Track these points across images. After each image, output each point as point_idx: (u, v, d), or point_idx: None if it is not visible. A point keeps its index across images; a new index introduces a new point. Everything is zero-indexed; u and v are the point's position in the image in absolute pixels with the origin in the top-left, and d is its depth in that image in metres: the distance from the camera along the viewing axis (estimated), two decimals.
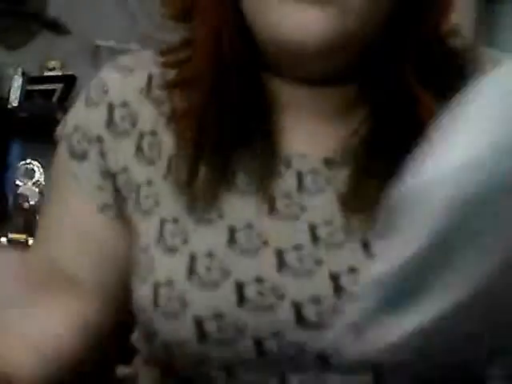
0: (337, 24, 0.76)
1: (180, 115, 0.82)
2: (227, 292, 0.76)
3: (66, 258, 0.83)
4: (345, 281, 0.76)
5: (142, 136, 0.83)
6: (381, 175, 0.79)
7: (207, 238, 0.78)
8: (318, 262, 0.77)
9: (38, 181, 3.39)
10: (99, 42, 3.61)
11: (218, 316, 0.76)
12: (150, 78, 0.84)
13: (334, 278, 0.77)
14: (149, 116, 0.83)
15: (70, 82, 3.48)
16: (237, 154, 0.81)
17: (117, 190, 0.83)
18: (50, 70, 3.54)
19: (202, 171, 0.80)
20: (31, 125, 3.36)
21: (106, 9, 3.63)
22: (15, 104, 3.37)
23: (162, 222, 0.80)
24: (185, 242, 0.78)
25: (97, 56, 3.63)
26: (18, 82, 3.38)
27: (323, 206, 0.80)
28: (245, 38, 0.81)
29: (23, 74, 3.40)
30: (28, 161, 3.39)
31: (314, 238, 0.79)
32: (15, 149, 3.40)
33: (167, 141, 0.82)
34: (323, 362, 0.76)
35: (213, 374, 0.77)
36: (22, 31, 3.56)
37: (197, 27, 0.83)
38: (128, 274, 0.82)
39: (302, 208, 0.80)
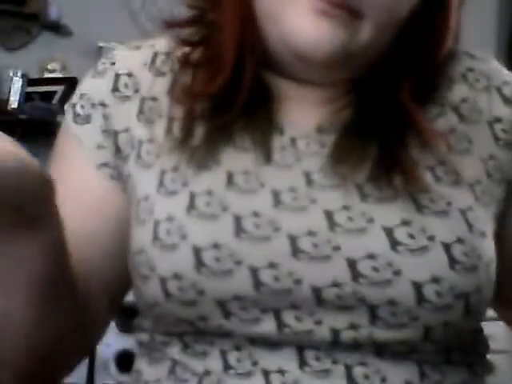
0: (346, 40, 0.80)
1: (187, 89, 0.86)
2: (226, 224, 0.79)
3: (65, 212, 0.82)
4: (339, 218, 0.80)
5: (143, 100, 0.88)
6: (365, 136, 0.84)
7: (206, 180, 0.82)
8: (313, 201, 0.81)
9: None
10: (101, 44, 3.63)
11: (216, 246, 0.78)
12: (155, 55, 0.90)
13: (329, 214, 0.80)
14: (150, 85, 0.89)
15: (70, 84, 3.47)
16: (237, 121, 0.84)
17: (117, 149, 0.87)
18: (51, 71, 3.58)
19: (202, 129, 0.84)
20: (31, 127, 3.38)
21: (108, 10, 3.67)
22: (15, 106, 3.40)
23: (163, 172, 0.83)
24: (185, 185, 0.82)
25: (99, 58, 3.64)
26: (17, 84, 3.41)
27: (316, 159, 0.84)
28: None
29: (23, 75, 3.43)
30: None
31: (309, 181, 0.83)
32: None
33: (166, 106, 0.87)
34: (318, 296, 0.77)
35: (207, 312, 0.79)
36: (22, 32, 3.59)
37: (222, 13, 0.86)
38: (124, 231, 0.86)
39: (297, 159, 0.84)
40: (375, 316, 0.77)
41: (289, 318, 0.78)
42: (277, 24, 0.81)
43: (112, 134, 0.87)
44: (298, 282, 0.77)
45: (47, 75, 3.57)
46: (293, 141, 0.85)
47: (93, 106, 0.88)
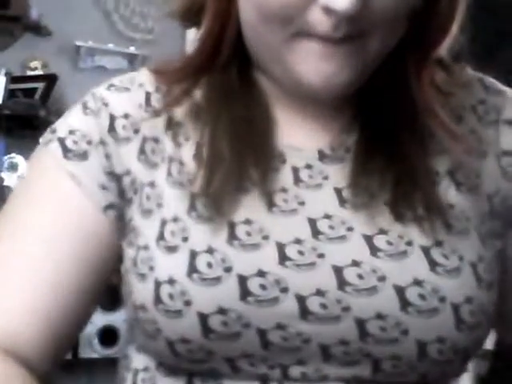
0: (357, 72, 0.76)
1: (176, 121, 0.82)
2: (230, 287, 0.74)
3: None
4: (349, 276, 0.75)
5: (144, 140, 0.82)
6: (378, 169, 0.79)
7: (207, 234, 0.76)
8: (321, 256, 0.76)
9: (22, 174, 3.36)
10: (78, 43, 3.72)
11: (222, 311, 0.73)
12: (147, 95, 0.85)
13: (338, 270, 0.75)
14: (149, 125, 0.83)
15: (51, 80, 3.59)
16: (233, 151, 0.80)
17: (121, 191, 0.81)
18: (32, 69, 3.63)
19: (203, 173, 0.79)
20: (15, 121, 3.44)
21: (83, 11, 3.74)
22: None
23: (163, 222, 0.78)
24: (185, 240, 0.76)
25: (76, 56, 3.75)
26: (1, 82, 3.43)
27: (321, 200, 0.79)
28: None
29: (6, 73, 3.46)
30: (12, 155, 3.47)
31: (315, 232, 0.77)
32: (0, 144, 3.47)
33: (167, 146, 0.82)
34: (325, 353, 0.75)
35: (216, 367, 0.76)
36: (5, 34, 3.61)
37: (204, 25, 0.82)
38: (105, 272, 0.82)
39: (300, 203, 0.79)
40: (378, 368, 0.75)
41: (295, 372, 0.76)
42: (281, 65, 0.77)
43: (115, 177, 0.81)
44: (306, 341, 0.74)
45: (29, 73, 3.61)
46: (295, 171, 0.80)
47: (89, 143, 0.82)
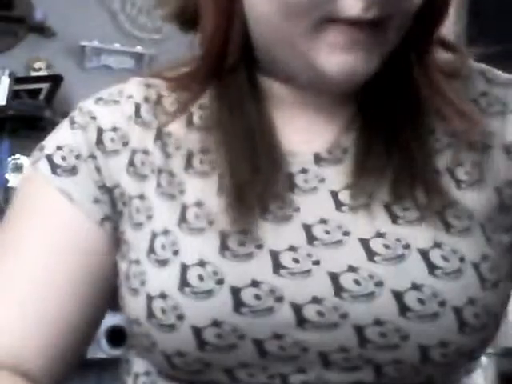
0: (377, 62, 0.75)
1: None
2: (223, 300, 0.73)
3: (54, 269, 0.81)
4: (344, 280, 0.73)
5: (134, 153, 0.81)
6: (378, 168, 0.78)
7: (198, 246, 0.75)
8: (316, 263, 0.74)
9: None
10: (84, 43, 3.72)
11: (216, 324, 0.72)
12: (137, 106, 0.84)
13: (334, 277, 0.74)
14: (139, 137, 0.82)
15: (56, 81, 3.59)
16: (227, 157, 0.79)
17: (114, 204, 0.81)
18: (37, 70, 3.64)
19: (194, 181, 0.79)
20: (19, 122, 3.44)
21: (89, 11, 3.74)
22: (3, 103, 3.43)
23: (153, 235, 0.77)
24: (175, 253, 0.75)
25: (82, 55, 3.75)
26: (6, 83, 3.45)
27: (317, 204, 0.78)
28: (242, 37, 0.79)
29: (11, 74, 3.48)
30: (17, 156, 3.45)
31: (310, 238, 0.76)
32: (4, 145, 3.47)
33: (157, 157, 0.81)
34: (324, 360, 0.74)
35: (215, 378, 0.76)
36: (9, 34, 3.65)
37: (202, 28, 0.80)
38: (109, 285, 0.81)
39: (295, 209, 0.78)
40: (381, 373, 0.74)
41: (296, 380, 0.75)
42: (301, 59, 0.75)
43: (107, 190, 0.81)
44: (304, 349, 0.73)
45: (33, 74, 3.62)
46: (290, 178, 0.79)
47: (78, 157, 0.81)
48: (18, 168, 3.44)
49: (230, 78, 0.80)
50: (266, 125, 0.80)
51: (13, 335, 0.78)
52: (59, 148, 0.82)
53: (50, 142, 0.83)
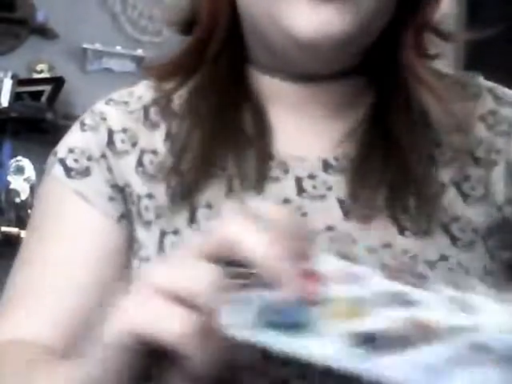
0: (350, 23, 0.73)
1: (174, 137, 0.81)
2: None
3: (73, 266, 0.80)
4: None
5: (142, 153, 0.81)
6: (380, 180, 0.77)
7: None
8: None
9: (29, 177, 3.48)
10: (85, 45, 3.73)
11: None
12: (146, 108, 0.84)
13: None
14: (148, 138, 0.82)
15: (58, 83, 3.60)
16: (232, 158, 0.78)
17: (126, 202, 0.80)
18: (39, 72, 3.65)
19: (200, 182, 0.77)
20: (21, 124, 3.46)
21: (90, 13, 3.75)
22: (5, 105, 3.45)
23: (163, 234, 0.77)
24: None
25: (83, 58, 3.76)
26: (8, 85, 3.46)
27: (324, 212, 0.76)
28: (234, 32, 0.79)
29: (13, 76, 3.49)
30: (19, 158, 3.48)
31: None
32: (6, 147, 3.48)
33: (166, 158, 0.80)
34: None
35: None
36: (11, 36, 3.66)
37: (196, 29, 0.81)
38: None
39: (303, 214, 0.76)
40: None
41: None
42: (276, 21, 0.74)
43: (119, 189, 0.80)
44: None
45: (35, 76, 3.63)
46: (298, 182, 0.77)
47: (90, 158, 0.81)
48: (20, 170, 3.47)
49: (213, 67, 0.80)
50: (261, 127, 0.80)
51: (45, 345, 0.77)
52: (71, 151, 0.82)
53: (62, 147, 0.84)
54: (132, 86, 0.87)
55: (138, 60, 3.79)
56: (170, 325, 0.52)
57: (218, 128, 0.79)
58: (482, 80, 0.85)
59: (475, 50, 0.99)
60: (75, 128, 0.84)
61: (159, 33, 3.81)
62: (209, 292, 0.53)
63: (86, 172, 0.81)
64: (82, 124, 0.84)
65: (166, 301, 0.53)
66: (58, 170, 0.82)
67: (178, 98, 0.83)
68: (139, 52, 3.80)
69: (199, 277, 0.54)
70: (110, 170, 0.81)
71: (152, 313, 0.53)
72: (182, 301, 0.53)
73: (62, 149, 0.83)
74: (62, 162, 0.82)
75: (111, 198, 0.80)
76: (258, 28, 0.77)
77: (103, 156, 0.81)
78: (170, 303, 0.53)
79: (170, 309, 0.53)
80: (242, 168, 0.77)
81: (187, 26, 0.83)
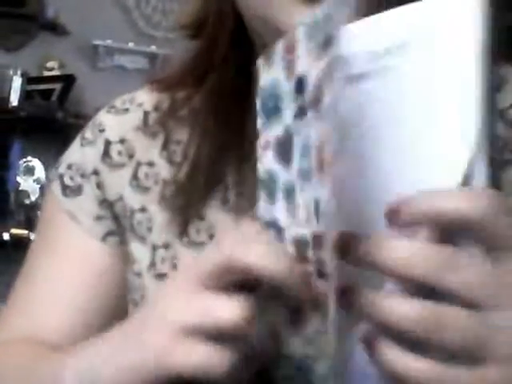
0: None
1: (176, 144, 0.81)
2: None
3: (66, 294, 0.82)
4: None
5: (138, 165, 0.82)
6: None
7: None
8: None
9: (39, 178, 3.46)
10: (97, 41, 3.68)
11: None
12: (145, 115, 0.83)
13: None
14: (145, 148, 0.82)
15: (68, 81, 3.55)
16: (231, 170, 0.78)
17: (115, 217, 0.82)
18: (49, 70, 3.61)
19: (196, 193, 0.78)
20: (31, 124, 3.42)
21: (102, 9, 3.70)
22: (15, 104, 3.42)
23: (154, 248, 0.78)
24: (175, 267, 0.76)
25: (95, 55, 3.72)
26: (17, 83, 3.43)
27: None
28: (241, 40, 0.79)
29: (23, 74, 3.46)
30: (28, 158, 3.45)
31: None
32: (16, 147, 3.46)
33: (162, 169, 0.81)
34: None
35: None
36: (21, 33, 3.63)
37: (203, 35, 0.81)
38: (121, 298, 0.82)
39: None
40: None
41: None
42: (270, 23, 0.72)
43: (108, 205, 0.81)
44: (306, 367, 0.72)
45: (46, 73, 3.59)
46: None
47: (83, 176, 0.83)
48: (30, 170, 3.45)
49: (222, 72, 0.79)
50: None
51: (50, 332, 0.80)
52: (69, 167, 0.84)
53: (63, 162, 0.85)
54: (145, 84, 0.86)
55: (152, 57, 3.74)
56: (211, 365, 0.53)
57: (221, 142, 0.78)
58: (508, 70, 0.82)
59: None
60: (76, 141, 0.86)
61: (173, 28, 3.73)
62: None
63: (78, 191, 0.83)
64: (82, 138, 0.85)
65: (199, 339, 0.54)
66: (56, 188, 0.84)
67: (185, 106, 0.82)
68: (152, 48, 3.74)
69: (232, 315, 0.53)
70: (100, 185, 0.82)
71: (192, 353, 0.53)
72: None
73: (62, 164, 0.85)
74: (61, 178, 0.84)
75: (98, 217, 0.82)
76: (256, 30, 0.77)
77: (95, 172, 0.82)
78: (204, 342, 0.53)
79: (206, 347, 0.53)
80: (239, 179, 0.77)
81: (194, 30, 0.82)
